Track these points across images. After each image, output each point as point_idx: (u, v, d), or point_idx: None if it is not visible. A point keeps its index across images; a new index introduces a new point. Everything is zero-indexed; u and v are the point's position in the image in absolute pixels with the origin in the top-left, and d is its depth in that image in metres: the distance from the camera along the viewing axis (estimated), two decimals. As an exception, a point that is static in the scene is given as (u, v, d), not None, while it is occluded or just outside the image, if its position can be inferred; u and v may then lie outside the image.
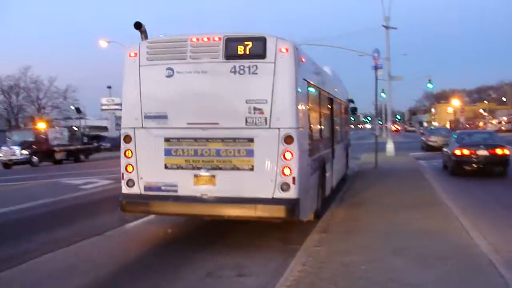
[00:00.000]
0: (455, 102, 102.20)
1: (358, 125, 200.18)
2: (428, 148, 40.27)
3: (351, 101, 22.84)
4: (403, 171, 20.96)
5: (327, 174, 12.65)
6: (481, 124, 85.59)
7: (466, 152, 21.66)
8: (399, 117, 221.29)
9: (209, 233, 10.16)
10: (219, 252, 9.06)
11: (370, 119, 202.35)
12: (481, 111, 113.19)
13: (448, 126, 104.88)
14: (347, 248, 8.64)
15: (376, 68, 26.75)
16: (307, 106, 10.21)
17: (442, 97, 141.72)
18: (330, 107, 14.10)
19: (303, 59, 10.03)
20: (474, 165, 21.69)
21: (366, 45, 37.86)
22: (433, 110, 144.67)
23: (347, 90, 20.46)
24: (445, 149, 24.12)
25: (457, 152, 21.70)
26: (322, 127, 12.43)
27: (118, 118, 70.84)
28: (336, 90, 15.51)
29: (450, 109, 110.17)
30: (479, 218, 10.92)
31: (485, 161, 21.49)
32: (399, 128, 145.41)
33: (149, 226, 11.13)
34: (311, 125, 10.55)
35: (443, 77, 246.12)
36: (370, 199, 13.17)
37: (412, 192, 14.56)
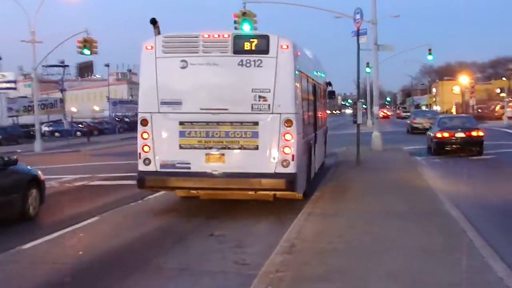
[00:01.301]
0: (463, 79, 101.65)
1: (335, 111, 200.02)
2: (413, 130, 53.01)
3: (329, 84, 27.87)
4: (392, 171, 22.85)
5: (312, 158, 18.05)
6: (497, 108, 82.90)
7: (446, 134, 32.39)
8: (389, 100, 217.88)
9: (214, 210, 16.16)
10: (223, 221, 14.40)
11: (350, 102, 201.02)
12: (498, 90, 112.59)
13: (454, 111, 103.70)
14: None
15: (358, 34, 26.42)
16: (301, 94, 15.46)
17: (446, 73, 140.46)
18: (314, 93, 19.34)
19: (298, 53, 15.15)
20: (453, 146, 32.13)
21: (345, 4, 49.49)
22: (434, 90, 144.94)
23: (325, 71, 26.17)
24: (428, 132, 34.63)
25: (438, 135, 32.56)
26: (309, 113, 17.73)
27: (12, 101, 74.54)
28: (317, 75, 20.94)
29: (456, 89, 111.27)
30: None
31: (462, 142, 32.01)
32: (389, 114, 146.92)
33: (164, 204, 17.34)
34: (303, 111, 15.92)
35: (447, 47, 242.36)
36: (346, 207, 15.13)
37: (404, 196, 16.79)
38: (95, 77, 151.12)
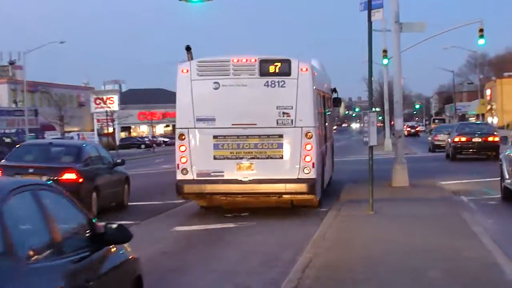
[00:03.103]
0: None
1: (338, 123, 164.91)
2: (435, 148, 49.98)
3: (334, 90, 29.70)
4: (424, 227, 16.68)
5: (325, 168, 23.56)
6: None
7: (463, 139, 37.97)
8: (418, 107, 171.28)
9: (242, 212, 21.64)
10: (249, 219, 20.20)
11: (358, 110, 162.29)
12: None
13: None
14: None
15: (369, 6, 19.83)
16: (318, 109, 21.36)
17: (506, 66, 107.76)
18: (324, 105, 24.81)
19: (315, 73, 20.97)
20: (470, 150, 38.36)
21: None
22: (488, 92, 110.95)
23: (329, 78, 29.38)
24: (447, 139, 43.18)
25: (456, 139, 37.97)
26: (322, 125, 23.52)
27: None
28: (325, 85, 26.00)
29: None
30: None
31: (478, 146, 37.97)
32: (419, 129, 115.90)
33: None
34: (319, 124, 21.99)
35: (508, 26, 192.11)
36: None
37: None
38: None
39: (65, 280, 5.81)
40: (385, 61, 49.15)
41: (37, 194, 6.24)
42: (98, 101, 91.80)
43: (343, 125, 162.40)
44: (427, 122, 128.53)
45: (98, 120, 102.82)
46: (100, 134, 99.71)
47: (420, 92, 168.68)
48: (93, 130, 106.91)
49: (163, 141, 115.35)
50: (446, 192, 23.37)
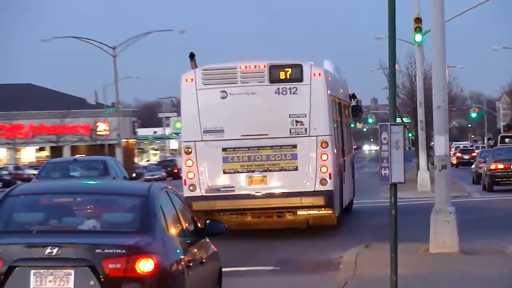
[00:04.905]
0: None
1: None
2: (478, 178, 41.48)
3: (353, 96, 26.83)
4: None
5: (343, 185, 21.51)
6: None
7: (500, 166, 32.55)
8: (474, 116, 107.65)
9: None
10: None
11: (371, 122, 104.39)
12: None
13: None
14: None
15: None
16: (333, 117, 19.70)
17: None
18: (340, 114, 22.55)
19: (329, 78, 19.65)
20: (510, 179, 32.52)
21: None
22: None
23: (347, 82, 26.75)
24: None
25: (492, 166, 32.00)
26: (338, 136, 21.31)
27: None
28: (341, 91, 23.98)
29: None
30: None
31: None
32: (475, 153, 74.37)
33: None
34: (336, 134, 20.17)
35: None
36: None
37: None
38: None
39: (191, 253, 8.11)
40: (419, 37, 31.93)
41: (168, 192, 8.72)
42: None
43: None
44: (491, 142, 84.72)
45: None
46: None
47: (480, 91, 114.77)
48: None
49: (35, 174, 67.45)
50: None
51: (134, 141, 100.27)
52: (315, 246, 17.87)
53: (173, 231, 8.16)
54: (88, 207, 8.23)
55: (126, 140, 79.49)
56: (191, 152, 18.40)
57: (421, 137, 38.89)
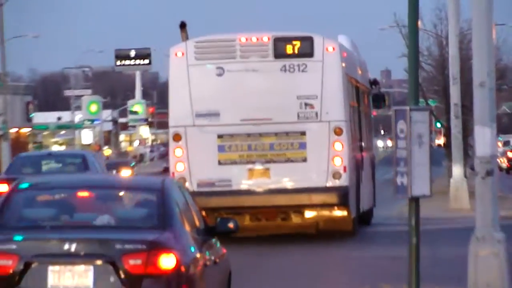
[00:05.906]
0: None
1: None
2: None
3: (374, 82, 22.34)
4: None
5: (361, 183, 17.73)
6: None
7: None
8: None
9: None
10: None
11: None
12: None
13: None
14: None
15: None
16: (349, 100, 16.39)
17: None
18: (357, 99, 18.80)
19: (345, 54, 16.26)
20: None
21: None
22: None
23: (366, 64, 22.54)
24: None
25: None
26: (355, 125, 17.77)
27: None
28: (360, 72, 20.16)
29: None
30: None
31: None
32: None
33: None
34: (352, 122, 16.66)
35: None
36: None
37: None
38: None
39: (208, 253, 7.74)
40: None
41: (181, 187, 8.64)
42: None
43: None
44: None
45: None
46: None
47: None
48: None
49: None
50: None
51: (28, 132, 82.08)
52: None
53: (188, 228, 7.76)
54: (101, 202, 7.90)
55: (16, 129, 70.07)
56: (180, 139, 15.49)
57: (456, 128, 29.01)
